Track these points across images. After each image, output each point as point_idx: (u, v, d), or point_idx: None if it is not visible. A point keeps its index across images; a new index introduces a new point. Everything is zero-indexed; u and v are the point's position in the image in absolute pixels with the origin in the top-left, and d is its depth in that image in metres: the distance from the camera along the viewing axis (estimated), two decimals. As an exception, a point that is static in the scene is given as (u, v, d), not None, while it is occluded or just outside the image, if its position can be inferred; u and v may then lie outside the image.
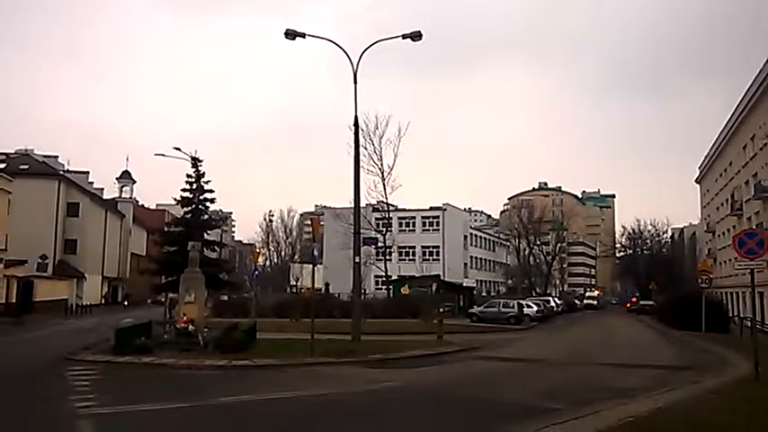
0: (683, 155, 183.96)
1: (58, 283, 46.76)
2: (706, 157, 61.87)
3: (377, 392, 12.01)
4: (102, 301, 47.42)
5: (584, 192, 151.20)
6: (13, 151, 55.23)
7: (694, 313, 30.30)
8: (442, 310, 28.39)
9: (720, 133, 53.96)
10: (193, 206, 30.32)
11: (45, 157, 54.89)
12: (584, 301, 77.36)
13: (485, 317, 36.39)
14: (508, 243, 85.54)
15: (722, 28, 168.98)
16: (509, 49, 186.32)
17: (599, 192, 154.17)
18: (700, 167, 65.59)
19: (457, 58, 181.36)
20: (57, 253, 48.98)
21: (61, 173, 53.32)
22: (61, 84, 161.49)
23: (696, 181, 68.10)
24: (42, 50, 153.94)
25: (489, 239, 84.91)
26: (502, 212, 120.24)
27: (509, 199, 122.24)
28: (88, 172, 60.31)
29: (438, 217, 67.75)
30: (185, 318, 18.45)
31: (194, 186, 30.10)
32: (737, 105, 46.65)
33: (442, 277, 51.87)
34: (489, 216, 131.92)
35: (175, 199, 31.73)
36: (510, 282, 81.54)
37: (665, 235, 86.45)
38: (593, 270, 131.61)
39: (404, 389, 12.53)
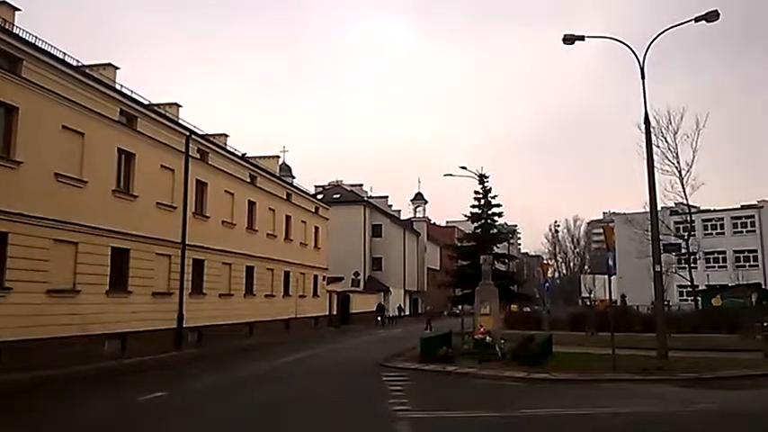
0: None
1: (369, 296, 52.62)
2: None
3: (695, 415, 10.86)
4: (397, 313, 52.02)
5: None
6: (327, 183, 64.48)
7: None
8: (766, 324, 24.55)
9: None
10: (482, 221, 31.41)
11: (352, 185, 62.59)
12: None
13: (826, 333, 30.31)
14: None
15: None
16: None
17: None
18: None
19: (754, 37, 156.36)
20: (366, 270, 55.25)
21: (366, 199, 60.15)
22: (352, 113, 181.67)
23: None
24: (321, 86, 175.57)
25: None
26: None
27: None
28: (387, 196, 66.98)
29: (752, 216, 58.86)
30: (482, 329, 19.22)
31: (482, 202, 31.20)
32: None
33: (763, 286, 44.90)
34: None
35: (465, 215, 33.26)
36: None
37: None
38: None
39: (727, 412, 11.16)
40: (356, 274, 51.54)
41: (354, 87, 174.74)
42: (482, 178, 31.03)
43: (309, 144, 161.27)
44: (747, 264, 56.43)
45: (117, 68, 23.24)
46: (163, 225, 23.68)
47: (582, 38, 20.01)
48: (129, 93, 22.15)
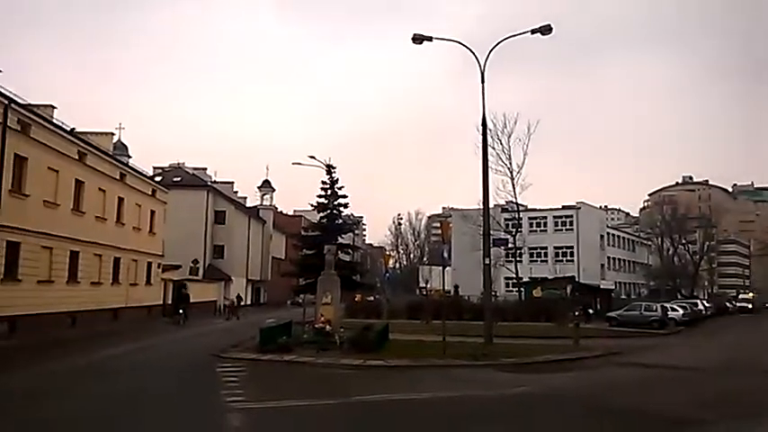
0: None
1: (208, 285, 50.64)
2: None
3: (512, 397, 11.79)
4: (236, 303, 50.58)
5: (735, 185, 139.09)
6: (167, 165, 60.90)
7: None
8: (577, 313, 27.34)
9: None
10: (328, 211, 31.62)
11: (195, 169, 59.74)
12: (738, 304, 70.77)
13: (625, 321, 34.45)
14: (649, 242, 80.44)
15: None
16: (639, 40, 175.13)
17: (752, 185, 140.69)
18: None
19: (585, 51, 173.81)
20: (206, 258, 53.10)
21: (209, 183, 57.74)
22: (202, 98, 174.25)
23: None
24: (183, 67, 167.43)
25: (628, 239, 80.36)
26: (642, 210, 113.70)
27: (649, 195, 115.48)
28: (233, 182, 64.77)
29: (571, 216, 65.26)
30: (323, 318, 19.31)
31: (329, 192, 31.38)
32: None
33: (576, 279, 49.93)
34: (627, 214, 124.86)
35: (312, 205, 33.24)
36: (652, 283, 76.49)
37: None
38: (746, 270, 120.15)
39: (540, 394, 12.22)
40: (195, 261, 49.35)
41: (206, 70, 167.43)
42: (329, 168, 31.22)
43: (152, 125, 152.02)
44: (565, 259, 62.43)
45: None
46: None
47: (430, 38, 20.75)
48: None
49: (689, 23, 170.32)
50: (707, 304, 53.17)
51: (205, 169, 61.98)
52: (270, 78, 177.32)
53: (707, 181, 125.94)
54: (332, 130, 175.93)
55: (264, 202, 69.27)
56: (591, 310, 27.19)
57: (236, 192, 64.98)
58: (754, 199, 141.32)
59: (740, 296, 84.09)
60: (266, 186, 68.38)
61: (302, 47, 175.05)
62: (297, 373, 14.90)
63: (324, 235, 30.55)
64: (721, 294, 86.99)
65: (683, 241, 76.96)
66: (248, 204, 67.07)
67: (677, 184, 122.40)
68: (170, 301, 40.33)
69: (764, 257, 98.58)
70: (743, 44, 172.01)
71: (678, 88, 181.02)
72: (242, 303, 50.18)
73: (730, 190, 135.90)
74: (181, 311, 33.47)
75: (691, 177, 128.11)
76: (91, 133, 32.67)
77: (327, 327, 18.93)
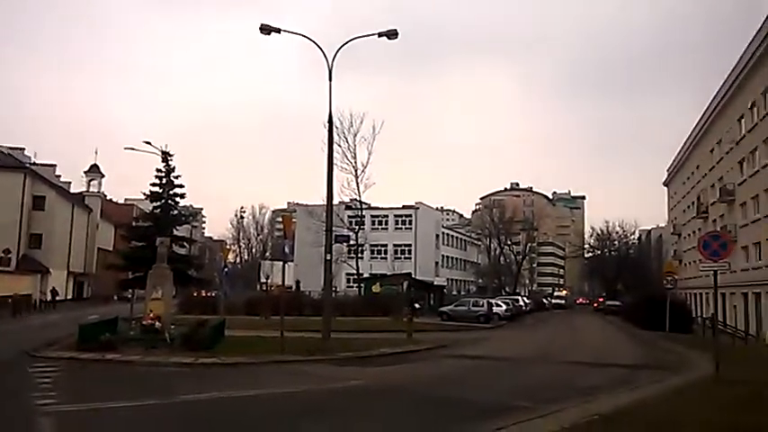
0: (653, 158, 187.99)
1: (21, 278, 45.63)
2: (674, 160, 63.13)
3: (345, 390, 11.99)
4: (50, 297, 45.99)
5: (554, 193, 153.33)
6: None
7: (659, 314, 30.93)
8: (412, 308, 28.51)
9: (688, 137, 55.11)
10: (163, 201, 29.97)
11: (11, 149, 53.42)
12: (553, 301, 78.41)
13: (455, 315, 36.61)
14: (479, 242, 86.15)
15: (695, 33, 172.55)
16: (482, 49, 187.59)
17: (569, 193, 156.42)
18: (668, 170, 66.87)
19: (430, 57, 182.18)
20: (21, 247, 47.80)
21: (27, 165, 51.98)
22: (28, 75, 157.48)
23: (664, 184, 69.42)
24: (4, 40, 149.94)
25: (461, 239, 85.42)
26: (474, 212, 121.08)
27: (481, 199, 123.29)
28: (55, 165, 58.89)
29: (410, 216, 67.90)
30: (152, 314, 18.18)
31: (164, 181, 29.74)
32: (705, 110, 47.70)
33: (413, 276, 52.01)
34: (461, 215, 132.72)
35: (145, 194, 31.25)
36: (480, 281, 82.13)
37: (632, 236, 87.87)
38: (561, 270, 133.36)
39: (371, 387, 12.53)
40: (6, 251, 44.24)
41: (29, 37, 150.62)
42: (166, 156, 29.56)
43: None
44: (403, 256, 64.84)
45: None
46: None
47: (278, 30, 20.35)
48: None
49: (525, 42, 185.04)
50: (527, 301, 58.14)
51: (23, 149, 55.75)
52: (105, 55, 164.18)
53: (531, 188, 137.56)
54: (173, 116, 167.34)
55: (92, 189, 63.77)
56: (417, 305, 28.53)
57: (60, 176, 59.27)
58: (570, 206, 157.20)
59: (555, 293, 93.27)
60: (94, 171, 62.95)
61: (148, 26, 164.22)
62: (120, 373, 13.89)
63: (157, 226, 28.85)
64: (539, 292, 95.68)
65: (509, 242, 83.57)
66: (73, 190, 61.48)
67: (506, 189, 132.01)
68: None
69: (576, 259, 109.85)
70: (568, 64, 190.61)
71: (512, 100, 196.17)
72: (57, 297, 45.85)
73: (550, 197, 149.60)
74: None
75: (517, 184, 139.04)
76: None
77: (157, 323, 17.85)
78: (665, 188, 69.13)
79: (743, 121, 37.18)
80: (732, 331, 31.25)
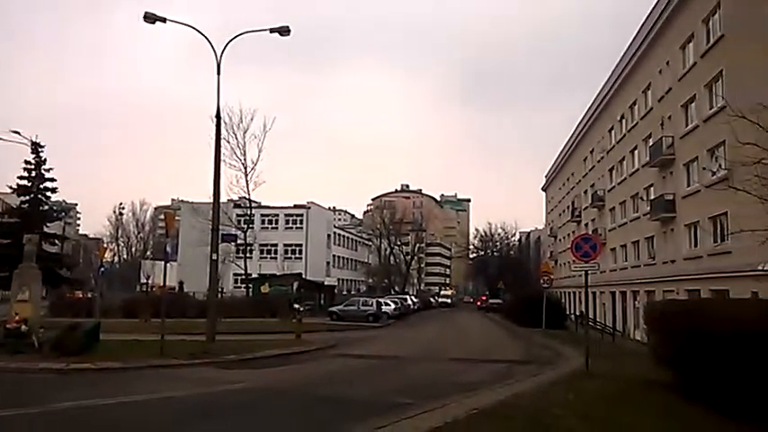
0: (534, 164, 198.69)
1: None
2: (552, 166, 67.25)
3: (230, 393, 11.66)
4: None
5: (442, 195, 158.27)
6: None
7: (536, 311, 32.68)
8: (301, 308, 28.33)
9: (565, 146, 58.92)
10: (32, 195, 27.85)
11: None
12: (440, 300, 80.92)
13: (344, 315, 36.81)
14: (370, 243, 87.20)
15: (572, 46, 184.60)
16: (374, 50, 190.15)
17: (456, 195, 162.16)
18: (546, 176, 71.11)
19: (323, 57, 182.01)
20: None
21: None
22: None
23: (542, 189, 73.73)
24: None
25: (352, 239, 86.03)
26: (365, 212, 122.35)
27: (372, 199, 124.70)
28: None
29: (302, 215, 67.46)
30: (17, 317, 16.77)
31: (33, 174, 27.65)
32: (580, 120, 51.21)
33: (304, 276, 51.73)
34: (353, 216, 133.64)
35: (11, 187, 28.85)
36: (371, 280, 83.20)
37: (513, 238, 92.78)
38: (448, 270, 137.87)
39: (258, 389, 12.31)
40: None
41: None
42: (36, 147, 27.43)
43: None
44: (294, 256, 64.32)
45: None
46: None
47: (164, 20, 19.49)
48: None
49: (416, 46, 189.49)
50: (415, 300, 59.62)
51: None
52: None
53: (420, 190, 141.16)
54: (46, 109, 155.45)
55: (-51, 181, 57.97)
56: (300, 307, 28.54)
57: None
58: (456, 208, 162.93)
59: (442, 292, 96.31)
60: (-48, 161, 57.30)
61: (22, 11, 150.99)
62: (-23, 382, 12.67)
63: (25, 222, 26.69)
64: (427, 291, 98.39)
65: (399, 243, 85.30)
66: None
67: (396, 191, 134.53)
68: None
69: (461, 259, 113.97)
70: (457, 69, 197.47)
71: (403, 102, 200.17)
72: None
73: (438, 199, 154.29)
74: None
75: (408, 185, 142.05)
76: None
77: (23, 327, 16.47)
78: (544, 193, 73.47)
79: (613, 132, 40.30)
80: (601, 327, 33.81)
